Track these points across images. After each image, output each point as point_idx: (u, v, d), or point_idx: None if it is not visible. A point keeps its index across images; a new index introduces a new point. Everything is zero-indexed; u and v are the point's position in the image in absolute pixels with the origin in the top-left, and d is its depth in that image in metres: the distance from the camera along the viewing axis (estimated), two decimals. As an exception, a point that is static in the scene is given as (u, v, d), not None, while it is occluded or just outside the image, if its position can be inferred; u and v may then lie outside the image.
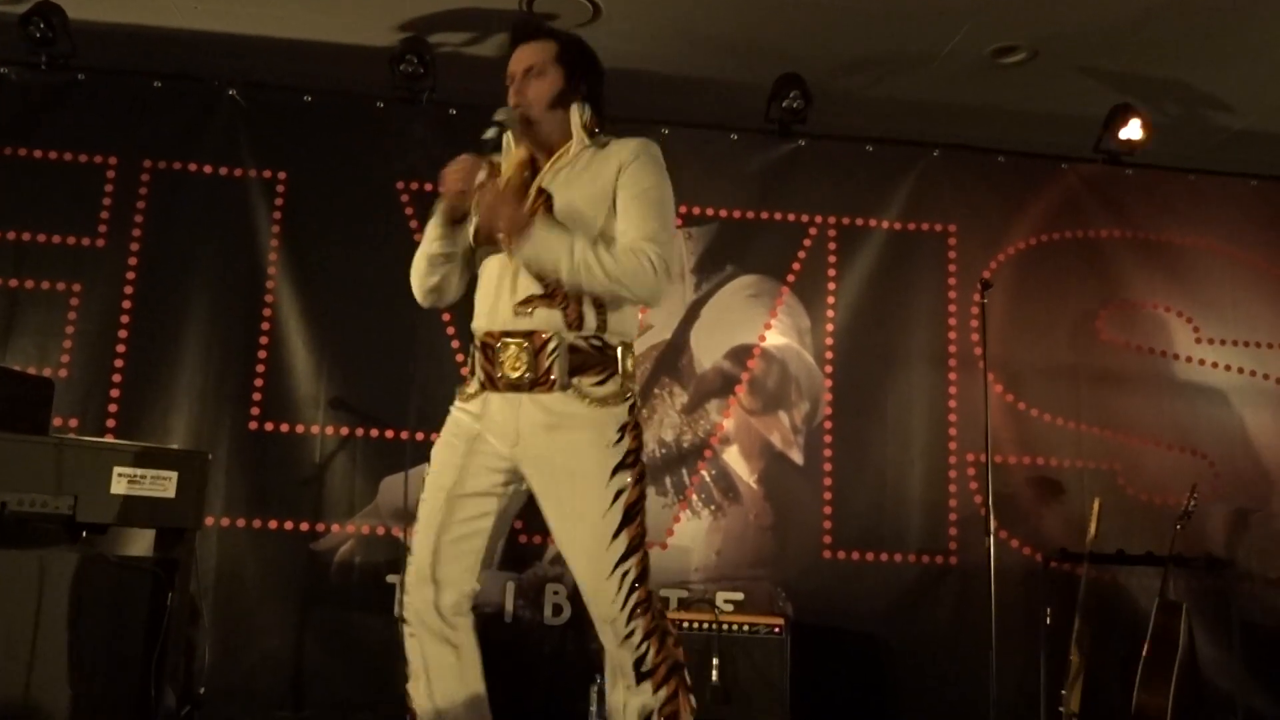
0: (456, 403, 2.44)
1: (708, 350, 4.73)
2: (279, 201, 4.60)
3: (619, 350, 2.37)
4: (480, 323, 2.40)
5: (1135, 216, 5.04)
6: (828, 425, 4.72)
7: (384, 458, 4.44)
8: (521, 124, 2.41)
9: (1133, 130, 4.84)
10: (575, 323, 2.32)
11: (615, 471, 2.29)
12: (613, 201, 2.36)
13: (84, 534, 3.13)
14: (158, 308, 4.45)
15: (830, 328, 4.80)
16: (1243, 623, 4.37)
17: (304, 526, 4.36)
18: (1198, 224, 5.07)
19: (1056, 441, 4.79)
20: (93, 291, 4.42)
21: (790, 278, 4.82)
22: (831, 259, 4.87)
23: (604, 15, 4.42)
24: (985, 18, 4.37)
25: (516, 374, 2.31)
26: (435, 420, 4.41)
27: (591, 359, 2.33)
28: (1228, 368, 4.97)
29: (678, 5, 4.39)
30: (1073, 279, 4.94)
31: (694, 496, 4.60)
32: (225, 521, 4.30)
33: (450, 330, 4.49)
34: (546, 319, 2.31)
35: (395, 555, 4.37)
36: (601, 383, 2.33)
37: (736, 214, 4.84)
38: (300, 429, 4.44)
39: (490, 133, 2.35)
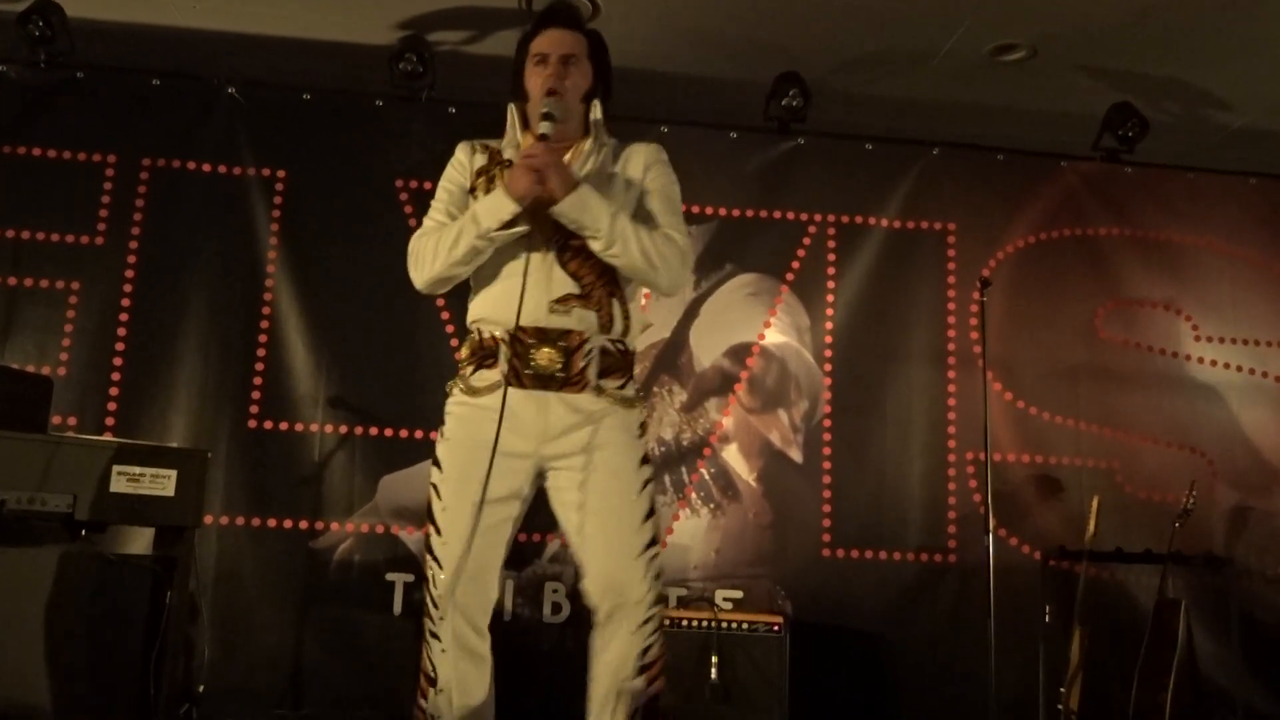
0: (460, 397, 2.38)
1: (707, 349, 4.73)
2: (278, 200, 4.60)
3: (634, 356, 2.42)
4: (501, 315, 2.31)
5: (1134, 215, 5.04)
6: (827, 424, 4.72)
7: (383, 456, 4.44)
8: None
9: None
10: (606, 325, 2.33)
11: (642, 463, 2.34)
12: (638, 202, 2.38)
13: (83, 532, 3.13)
14: (157, 306, 4.45)
15: (829, 326, 4.80)
16: (1242, 620, 4.36)
17: (303, 525, 4.35)
18: (1197, 222, 5.06)
19: (1056, 439, 4.79)
20: (92, 290, 4.42)
21: (789, 276, 4.82)
22: (831, 257, 4.87)
23: (604, 13, 4.42)
24: (984, 16, 4.37)
25: (548, 372, 2.28)
26: (435, 419, 4.46)
27: (616, 363, 2.36)
28: (1227, 365, 4.97)
29: (677, 3, 4.39)
30: (1072, 277, 4.94)
31: (693, 495, 4.60)
32: (224, 520, 4.30)
33: (450, 329, 4.49)
34: (582, 319, 2.31)
35: (394, 554, 4.38)
36: (623, 386, 2.36)
37: (735, 212, 4.84)
38: (299, 427, 4.44)
39: (547, 128, 2.30)
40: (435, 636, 2.31)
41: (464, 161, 2.50)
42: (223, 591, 4.19)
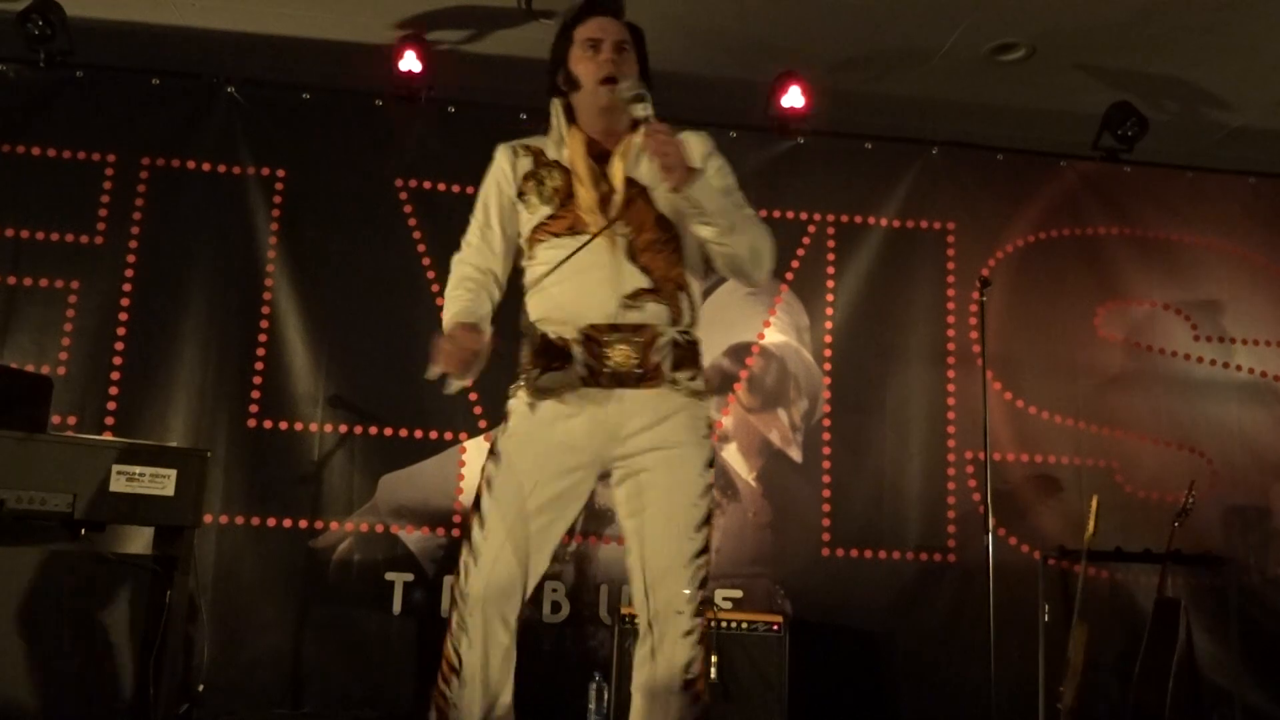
0: (527, 397, 2.27)
1: (706, 348, 4.67)
2: (277, 199, 4.60)
3: (700, 346, 2.36)
4: (569, 314, 2.24)
5: (1133, 214, 5.04)
6: (826, 423, 4.72)
7: (383, 455, 4.45)
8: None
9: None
10: (676, 317, 2.29)
11: (707, 466, 2.28)
12: None
13: (83, 531, 3.13)
14: (156, 305, 4.45)
15: (829, 325, 4.81)
16: (1240, 619, 4.37)
17: (303, 524, 4.35)
18: (1196, 221, 5.07)
19: (1055, 439, 4.79)
20: (91, 289, 4.42)
21: (789, 275, 4.82)
22: (830, 256, 4.87)
23: (603, 12, 4.41)
24: (984, 15, 4.37)
25: (625, 368, 2.22)
26: (434, 418, 4.47)
27: (686, 355, 2.31)
28: (1226, 365, 4.97)
29: (677, 2, 4.39)
30: (1071, 276, 4.94)
31: (693, 494, 4.59)
32: (224, 519, 4.30)
33: (449, 328, 4.48)
34: (655, 313, 2.25)
35: (394, 553, 4.38)
36: (693, 378, 2.31)
37: (735, 211, 4.83)
38: (299, 426, 4.44)
39: (644, 109, 2.22)
40: (464, 628, 2.21)
41: (506, 169, 2.38)
42: (222, 591, 4.19)
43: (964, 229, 4.94)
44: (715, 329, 4.74)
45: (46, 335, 4.35)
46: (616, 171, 2.32)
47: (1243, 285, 5.05)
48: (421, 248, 4.60)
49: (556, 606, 4.41)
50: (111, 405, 4.33)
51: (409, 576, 4.35)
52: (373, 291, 4.54)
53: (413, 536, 4.39)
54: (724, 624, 3.93)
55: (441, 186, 4.66)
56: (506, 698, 2.26)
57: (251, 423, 4.42)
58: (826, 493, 4.66)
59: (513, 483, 2.22)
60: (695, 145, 2.39)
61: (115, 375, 4.36)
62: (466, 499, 4.44)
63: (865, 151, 4.97)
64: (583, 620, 4.41)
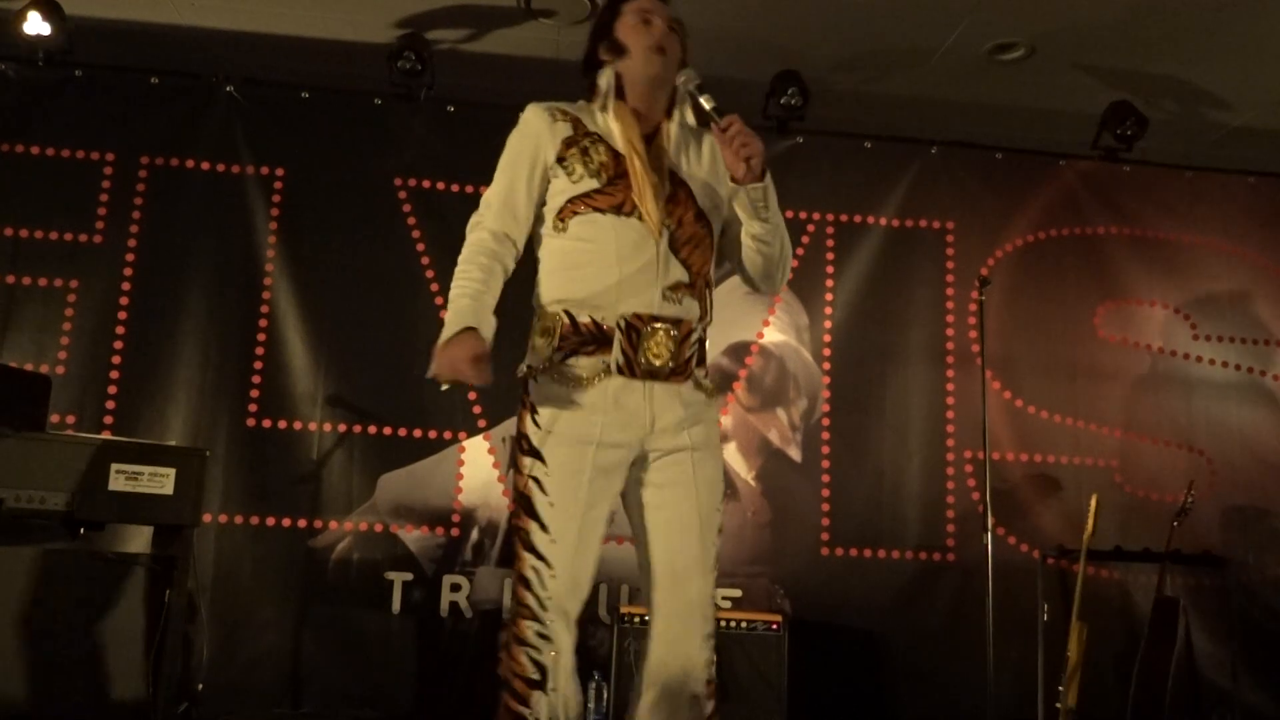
0: (553, 386, 2.19)
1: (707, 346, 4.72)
2: (277, 198, 4.60)
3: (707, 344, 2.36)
4: (609, 299, 2.18)
5: (1133, 213, 5.04)
6: (825, 422, 4.72)
7: (382, 455, 4.45)
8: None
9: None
10: (704, 314, 2.28)
11: (723, 474, 2.30)
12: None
13: (82, 531, 3.13)
14: (155, 304, 4.45)
15: (828, 325, 4.81)
16: (1239, 619, 4.37)
17: (302, 523, 4.35)
18: (1195, 220, 5.07)
19: (1054, 438, 4.79)
20: (90, 288, 4.42)
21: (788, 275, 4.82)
22: (829, 256, 4.87)
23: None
24: (983, 14, 4.37)
25: (660, 361, 2.19)
26: (433, 417, 4.47)
27: (704, 352, 2.31)
28: (1225, 364, 4.97)
29: (677, 2, 4.38)
30: (1070, 276, 4.95)
31: (692, 493, 4.59)
32: (223, 518, 4.30)
33: (448, 327, 4.48)
34: (690, 308, 2.23)
35: (393, 552, 4.38)
36: (708, 375, 2.31)
37: (734, 211, 4.83)
38: (298, 425, 4.44)
39: (714, 101, 2.17)
40: (545, 638, 2.17)
41: (542, 129, 2.24)
42: (221, 590, 4.19)
43: (963, 228, 4.95)
44: (714, 328, 4.64)
45: (45, 334, 4.35)
46: (664, 162, 2.27)
47: (1242, 285, 5.05)
48: (420, 247, 4.60)
49: (556, 606, 4.40)
50: (110, 404, 4.33)
51: (408, 576, 4.35)
52: (372, 290, 4.54)
53: (412, 536, 4.38)
54: (723, 623, 3.93)
55: (441, 186, 4.65)
56: (583, 698, 2.24)
57: (251, 422, 4.42)
58: (826, 492, 4.66)
59: (566, 482, 2.16)
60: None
61: (114, 374, 4.36)
62: (466, 498, 4.45)
63: (865, 151, 4.97)
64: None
